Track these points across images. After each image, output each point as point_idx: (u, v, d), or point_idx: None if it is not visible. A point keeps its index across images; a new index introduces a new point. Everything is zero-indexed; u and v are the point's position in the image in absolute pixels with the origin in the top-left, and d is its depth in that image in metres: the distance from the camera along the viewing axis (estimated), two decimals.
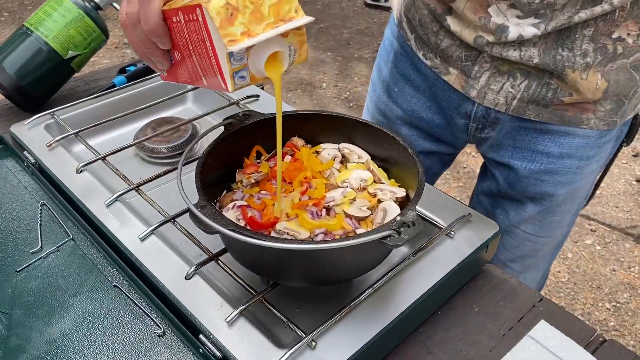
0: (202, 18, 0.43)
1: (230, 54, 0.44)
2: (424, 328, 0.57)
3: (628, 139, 0.81)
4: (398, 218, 0.47)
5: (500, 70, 0.69)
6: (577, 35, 0.63)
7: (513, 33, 0.63)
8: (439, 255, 0.58)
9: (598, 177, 0.87)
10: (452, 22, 0.69)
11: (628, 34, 0.63)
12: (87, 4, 0.90)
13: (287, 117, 0.63)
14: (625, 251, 1.95)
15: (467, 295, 0.60)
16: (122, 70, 1.00)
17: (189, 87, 0.88)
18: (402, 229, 0.46)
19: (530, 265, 0.87)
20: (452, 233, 0.60)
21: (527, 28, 0.62)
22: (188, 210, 0.48)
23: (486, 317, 0.58)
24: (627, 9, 0.61)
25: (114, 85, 0.94)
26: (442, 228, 0.60)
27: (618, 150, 0.83)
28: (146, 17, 0.47)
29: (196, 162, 0.55)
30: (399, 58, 0.82)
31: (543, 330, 0.59)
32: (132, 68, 1.00)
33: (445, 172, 2.22)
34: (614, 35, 0.63)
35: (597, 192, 2.24)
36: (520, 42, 0.64)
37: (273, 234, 0.52)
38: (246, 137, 0.61)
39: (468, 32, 0.67)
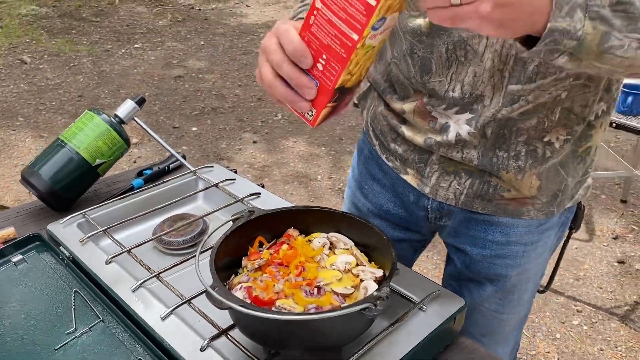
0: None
1: None
2: None
3: (575, 224, 0.94)
4: (375, 293, 0.59)
5: (447, 170, 0.83)
6: (511, 141, 0.78)
7: (452, 132, 0.78)
8: (413, 327, 0.69)
9: (555, 259, 0.99)
10: (405, 130, 0.85)
11: (557, 138, 0.78)
12: (113, 119, 1.06)
13: (285, 212, 0.76)
14: (612, 331, 2.02)
15: None
16: (139, 174, 1.15)
17: (201, 186, 1.02)
18: (377, 302, 0.58)
19: (500, 340, 0.97)
20: (424, 307, 0.71)
21: (463, 125, 0.77)
22: (204, 291, 0.60)
23: None
24: (555, 119, 0.76)
25: (132, 187, 1.08)
26: (415, 303, 0.71)
27: (569, 236, 0.96)
28: (288, 40, 0.58)
29: (209, 251, 0.67)
30: (367, 160, 0.97)
31: None
32: (148, 171, 1.15)
33: (436, 257, 2.33)
34: (545, 139, 0.78)
35: (582, 274, 2.35)
36: (463, 145, 0.79)
37: (273, 309, 0.63)
38: (250, 230, 0.74)
39: (419, 136, 0.83)
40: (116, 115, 1.08)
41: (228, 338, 0.67)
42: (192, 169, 1.07)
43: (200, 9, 6.23)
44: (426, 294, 0.73)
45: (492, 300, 0.94)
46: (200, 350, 0.65)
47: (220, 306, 0.59)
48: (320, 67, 0.58)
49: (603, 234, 2.60)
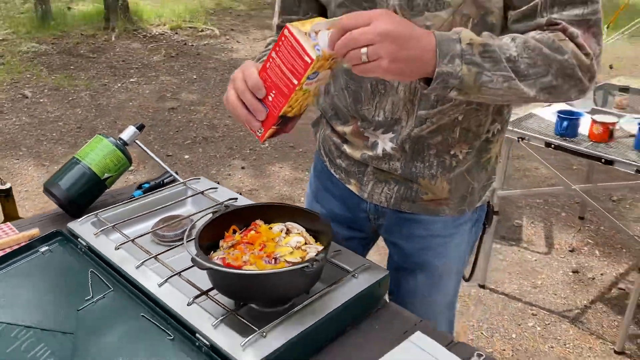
0: (289, 32, 0.77)
1: (310, 34, 0.77)
2: (339, 339, 0.89)
3: (487, 221, 1.18)
4: (312, 257, 0.83)
5: (379, 179, 1.08)
6: (425, 154, 1.02)
7: (380, 148, 1.03)
8: (347, 288, 0.92)
9: (473, 254, 1.23)
10: (347, 148, 1.10)
11: (460, 151, 1.03)
12: (118, 141, 1.30)
13: (252, 207, 1.00)
14: (562, 331, 2.25)
15: (369, 320, 0.94)
16: (139, 187, 1.39)
17: (189, 193, 1.26)
18: (313, 263, 0.82)
19: (434, 320, 1.19)
20: (356, 275, 0.95)
21: (388, 142, 1.02)
22: (191, 266, 0.84)
23: (381, 331, 0.91)
24: (456, 136, 1.01)
25: (133, 197, 1.32)
26: (349, 271, 0.95)
27: (483, 232, 1.20)
28: (250, 76, 0.82)
29: (195, 235, 0.91)
30: (320, 174, 1.22)
31: (419, 337, 0.92)
32: (146, 185, 1.38)
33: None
34: (451, 152, 1.03)
35: (539, 282, 2.57)
36: (389, 158, 1.04)
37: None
38: (226, 220, 0.97)
39: (357, 152, 1.07)
40: (120, 138, 1.32)
41: (208, 296, 0.90)
42: (182, 181, 1.31)
43: (192, 45, 6.56)
44: (358, 266, 0.96)
45: (424, 286, 1.17)
46: (187, 305, 0.88)
47: (202, 267, 0.82)
48: (270, 98, 0.83)
49: (561, 247, 2.84)
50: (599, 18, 0.83)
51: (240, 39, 6.93)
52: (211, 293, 0.90)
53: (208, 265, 0.82)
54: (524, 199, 3.27)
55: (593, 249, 2.83)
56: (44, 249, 1.09)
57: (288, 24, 0.77)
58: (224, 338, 0.81)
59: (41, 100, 4.71)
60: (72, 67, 5.58)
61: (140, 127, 1.35)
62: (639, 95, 2.42)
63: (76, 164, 1.26)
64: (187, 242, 0.89)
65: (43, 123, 4.25)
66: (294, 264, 0.89)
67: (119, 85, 5.15)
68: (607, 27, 7.07)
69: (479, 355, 0.87)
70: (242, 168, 3.65)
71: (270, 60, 0.82)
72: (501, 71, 0.81)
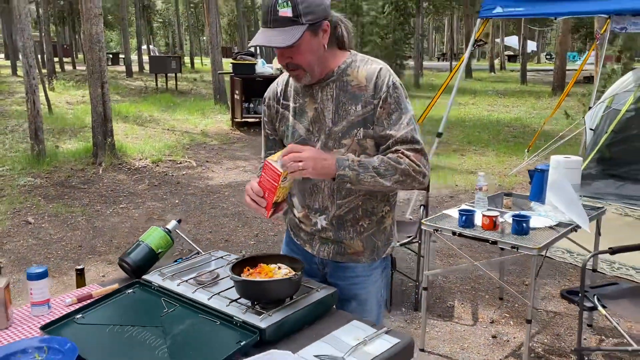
0: (267, 162, 1.58)
1: (277, 161, 1.58)
2: (312, 324, 1.62)
3: (394, 267, 1.96)
4: (295, 276, 1.59)
5: (322, 242, 1.86)
6: (345, 226, 1.82)
7: (319, 225, 1.83)
8: (311, 296, 1.66)
9: (386, 291, 1.99)
10: (302, 225, 1.89)
11: (366, 223, 1.82)
12: (165, 229, 2.06)
13: (258, 256, 1.76)
14: None
15: (327, 315, 1.67)
16: (175, 260, 2.12)
17: (212, 258, 2.00)
18: (297, 275, 1.57)
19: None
20: (319, 290, 1.69)
21: (322, 221, 1.82)
22: (222, 290, 1.58)
23: (334, 320, 1.65)
24: (361, 214, 1.81)
25: (176, 262, 2.05)
26: (314, 288, 1.69)
27: (392, 274, 1.97)
28: (254, 186, 1.63)
29: (229, 267, 1.65)
30: (289, 242, 1.99)
31: (355, 323, 1.65)
32: (180, 260, 2.12)
33: None
34: (359, 224, 1.82)
35: (466, 345, 3.27)
36: (325, 230, 1.82)
37: None
38: (243, 263, 1.72)
39: (308, 227, 1.86)
40: (167, 228, 2.08)
41: (236, 301, 1.62)
42: (207, 252, 2.06)
43: (173, 175, 7.43)
44: (319, 286, 1.71)
45: (355, 309, 1.89)
46: (226, 305, 1.59)
47: (234, 279, 1.57)
48: (266, 194, 1.65)
49: (484, 320, 3.58)
50: (422, 147, 1.69)
51: (215, 169, 7.87)
52: (238, 301, 1.63)
53: (239, 278, 1.56)
54: (455, 286, 4.04)
55: (508, 320, 3.57)
56: (129, 290, 1.80)
57: (267, 159, 1.62)
58: (249, 318, 1.53)
59: (43, 225, 5.37)
60: (66, 197, 6.32)
61: (179, 221, 2.12)
62: (518, 199, 3.34)
63: (139, 244, 2.01)
64: (229, 268, 1.64)
65: (48, 244, 4.89)
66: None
67: (111, 210, 5.88)
68: (527, 151, 8.37)
69: (387, 332, 1.61)
70: None
71: (262, 176, 1.65)
72: (369, 173, 1.64)
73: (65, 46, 36.09)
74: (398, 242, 2.66)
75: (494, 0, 5.01)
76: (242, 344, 1.45)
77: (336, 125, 1.72)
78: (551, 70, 24.12)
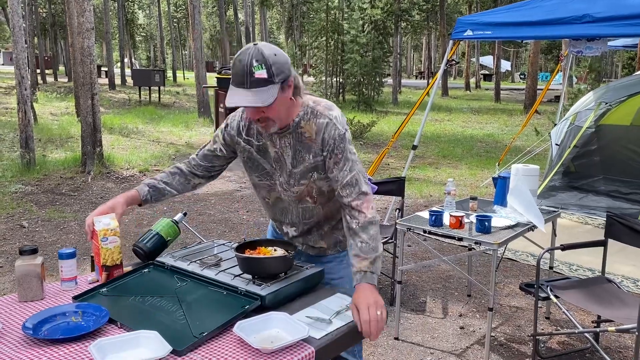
0: (91, 223, 1.95)
1: (96, 224, 1.95)
2: (303, 296, 1.94)
3: None
4: (289, 255, 1.92)
5: (302, 244, 2.19)
6: (311, 234, 2.15)
7: (290, 234, 2.17)
8: (302, 273, 1.98)
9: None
10: (285, 235, 2.22)
11: (325, 230, 2.16)
12: (173, 221, 2.37)
13: (257, 240, 2.09)
14: None
15: (316, 289, 2.00)
16: (183, 247, 2.42)
17: (215, 244, 2.32)
18: (291, 253, 1.90)
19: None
20: (308, 268, 2.02)
21: (293, 232, 2.16)
22: (227, 267, 1.90)
23: (321, 294, 1.98)
24: (322, 223, 2.15)
25: (185, 247, 2.36)
26: (304, 267, 2.02)
27: None
28: (87, 223, 2.00)
29: (235, 248, 1.97)
30: (273, 230, 2.33)
31: (340, 295, 1.98)
32: (185, 248, 2.42)
33: None
34: (323, 229, 2.16)
35: (436, 335, 3.62)
36: (297, 237, 2.16)
37: None
38: (245, 246, 2.04)
39: (287, 238, 2.21)
40: (174, 219, 2.39)
41: (239, 277, 1.94)
42: (211, 240, 2.37)
43: None
44: (308, 266, 2.04)
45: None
46: (231, 280, 1.91)
47: (238, 257, 1.89)
48: (96, 258, 2.02)
49: (453, 314, 3.93)
50: (365, 189, 1.96)
51: None
52: (241, 276, 1.95)
53: (244, 255, 1.89)
54: (428, 285, 4.39)
55: (475, 314, 3.93)
56: (145, 270, 2.10)
57: (95, 218, 1.99)
58: (251, 288, 1.85)
59: (37, 229, 5.59)
60: (57, 203, 6.54)
61: (185, 214, 2.44)
62: (483, 203, 3.72)
63: (152, 232, 2.31)
64: (233, 249, 1.96)
65: (43, 246, 5.12)
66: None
67: None
68: (498, 165, 8.83)
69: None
70: None
71: (93, 238, 2.00)
72: (377, 262, 1.91)
73: (46, 58, 36.01)
74: None
75: (465, 24, 5.45)
76: (246, 307, 1.77)
77: (295, 167, 2.02)
78: (524, 89, 24.97)
